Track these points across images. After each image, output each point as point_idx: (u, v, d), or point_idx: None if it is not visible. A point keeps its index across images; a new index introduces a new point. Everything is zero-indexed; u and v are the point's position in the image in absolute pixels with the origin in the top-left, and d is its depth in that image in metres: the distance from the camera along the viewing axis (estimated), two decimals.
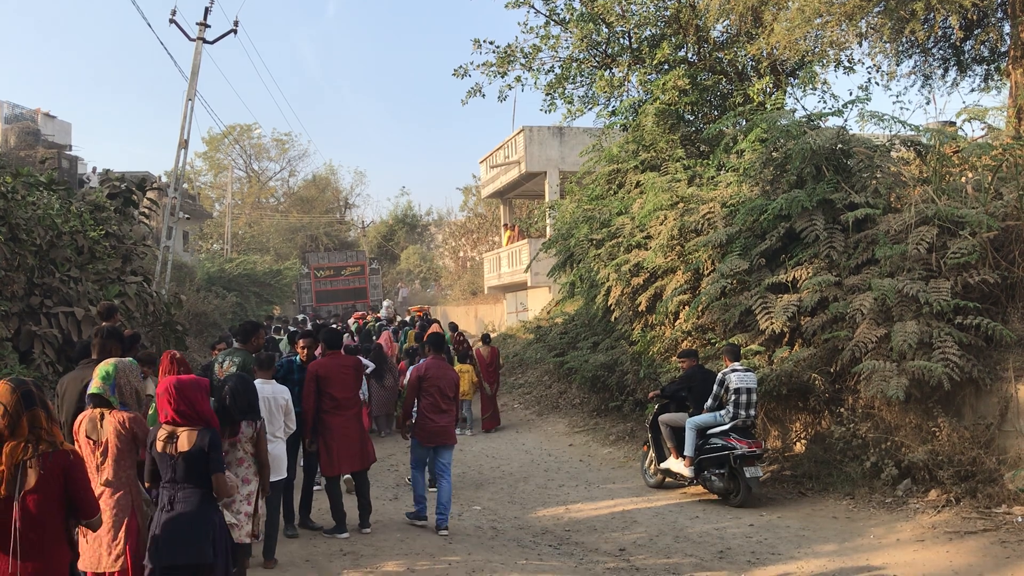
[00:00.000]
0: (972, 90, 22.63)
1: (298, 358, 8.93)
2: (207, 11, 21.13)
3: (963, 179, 11.12)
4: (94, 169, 29.76)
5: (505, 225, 32.39)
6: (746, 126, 13.10)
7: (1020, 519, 7.80)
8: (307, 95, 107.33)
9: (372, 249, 56.45)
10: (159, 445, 4.79)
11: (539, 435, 15.08)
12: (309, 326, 21.13)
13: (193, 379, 5.00)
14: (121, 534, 4.84)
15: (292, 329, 19.09)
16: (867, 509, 8.86)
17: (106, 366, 5.08)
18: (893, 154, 11.44)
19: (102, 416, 4.93)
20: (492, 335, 20.44)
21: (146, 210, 17.10)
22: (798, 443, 10.83)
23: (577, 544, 8.42)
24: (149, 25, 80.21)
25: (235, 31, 21.66)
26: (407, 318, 24.72)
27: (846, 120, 11.74)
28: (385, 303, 31.88)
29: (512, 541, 8.52)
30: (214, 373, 7.49)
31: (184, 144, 20.95)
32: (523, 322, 23.75)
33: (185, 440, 4.77)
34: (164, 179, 32.10)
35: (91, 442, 4.88)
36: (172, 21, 20.88)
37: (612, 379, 14.08)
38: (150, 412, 5.95)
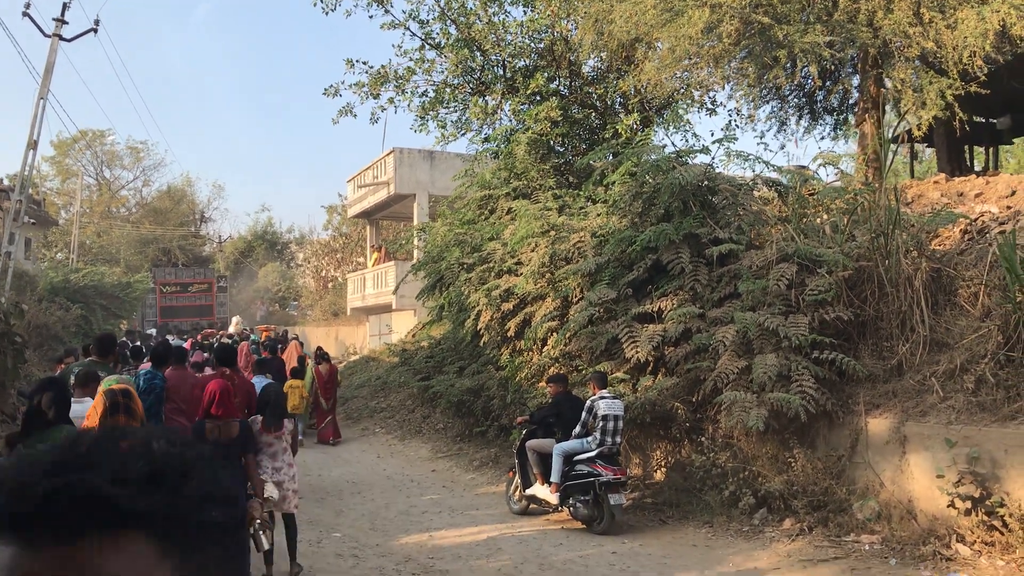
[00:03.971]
0: (823, 138, 24.12)
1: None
2: (65, 6, 20.07)
3: (818, 220, 11.68)
4: None
5: (372, 246, 31.96)
6: (615, 160, 13.36)
7: (867, 547, 8.14)
8: (169, 103, 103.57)
9: (229, 265, 54.67)
10: (209, 434, 6.04)
11: (401, 460, 14.81)
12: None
13: (229, 385, 6.37)
14: None
15: (136, 344, 18.28)
16: (725, 537, 9.06)
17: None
18: (755, 193, 11.91)
19: None
20: (353, 358, 20.13)
21: None
22: (658, 471, 11.02)
23: (442, 572, 8.24)
24: None
25: (95, 30, 20.60)
26: (256, 336, 24.40)
27: (713, 158, 12.14)
28: (234, 319, 31.04)
29: (374, 569, 8.27)
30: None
31: (34, 145, 19.74)
32: (388, 345, 23.44)
33: (232, 429, 6.14)
34: (6, 182, 30.10)
35: None
36: (26, 14, 19.67)
37: (478, 404, 14.00)
38: None
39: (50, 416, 5.70)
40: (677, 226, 10.84)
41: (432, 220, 21.22)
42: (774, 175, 11.79)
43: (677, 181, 10.86)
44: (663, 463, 11.02)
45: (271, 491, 7.29)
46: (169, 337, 26.41)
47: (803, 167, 16.53)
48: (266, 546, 6.81)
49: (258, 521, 6.36)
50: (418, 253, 23.57)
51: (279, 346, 19.65)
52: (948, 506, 7.79)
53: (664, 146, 12.60)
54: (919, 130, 12.21)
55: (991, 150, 20.80)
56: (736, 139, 15.30)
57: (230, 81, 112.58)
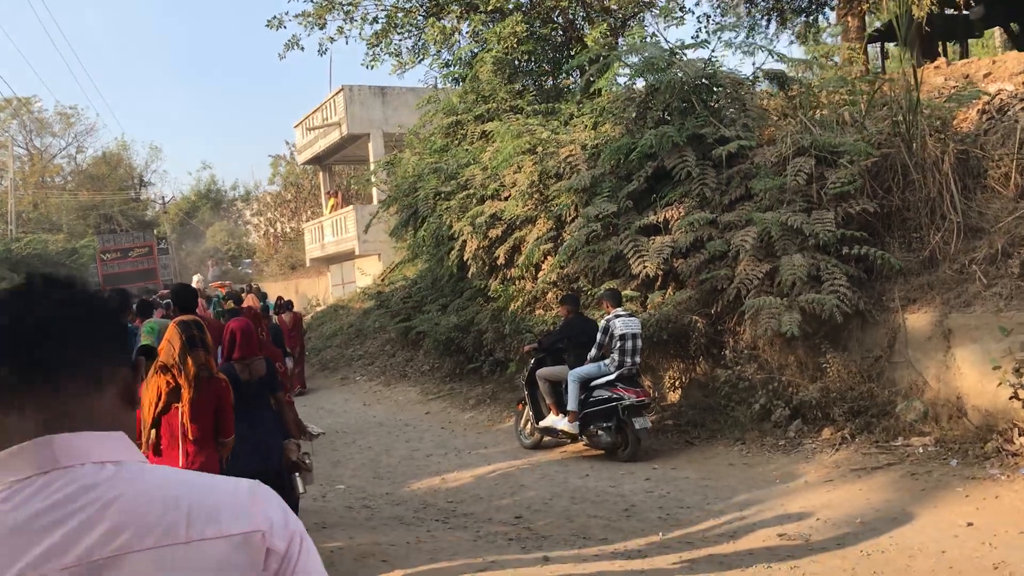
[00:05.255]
0: (791, 42, 23.50)
1: None
2: None
3: (818, 116, 10.95)
4: None
5: (327, 192, 30.67)
6: (604, 62, 12.29)
7: (921, 450, 7.59)
8: (95, 62, 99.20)
9: (174, 227, 52.84)
10: (242, 375, 5.49)
11: (390, 405, 14.02)
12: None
13: (250, 323, 5.83)
14: None
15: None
16: (762, 453, 8.46)
17: (151, 323, 6.60)
18: (757, 89, 11.13)
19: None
20: (319, 309, 19.30)
21: None
22: (673, 392, 10.38)
23: (466, 516, 7.53)
24: None
25: None
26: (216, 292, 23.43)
27: (713, 50, 11.28)
28: (195, 277, 30.07)
29: (393, 519, 7.52)
30: None
31: None
32: (361, 289, 22.45)
33: (260, 367, 5.62)
34: None
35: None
36: None
37: (468, 340, 13.18)
38: None
39: None
40: (680, 127, 9.99)
41: (392, 156, 20.08)
42: (777, 64, 10.97)
43: (677, 77, 10.00)
44: (677, 382, 10.38)
45: (316, 429, 6.87)
46: None
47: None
48: (302, 490, 6.22)
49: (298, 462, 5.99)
50: (379, 193, 22.54)
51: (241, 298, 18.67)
52: (1010, 398, 7.22)
53: (657, 41, 11.64)
54: (920, 10, 11.46)
55: (962, 44, 20.24)
56: (737, 27, 14.46)
57: (157, 35, 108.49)
